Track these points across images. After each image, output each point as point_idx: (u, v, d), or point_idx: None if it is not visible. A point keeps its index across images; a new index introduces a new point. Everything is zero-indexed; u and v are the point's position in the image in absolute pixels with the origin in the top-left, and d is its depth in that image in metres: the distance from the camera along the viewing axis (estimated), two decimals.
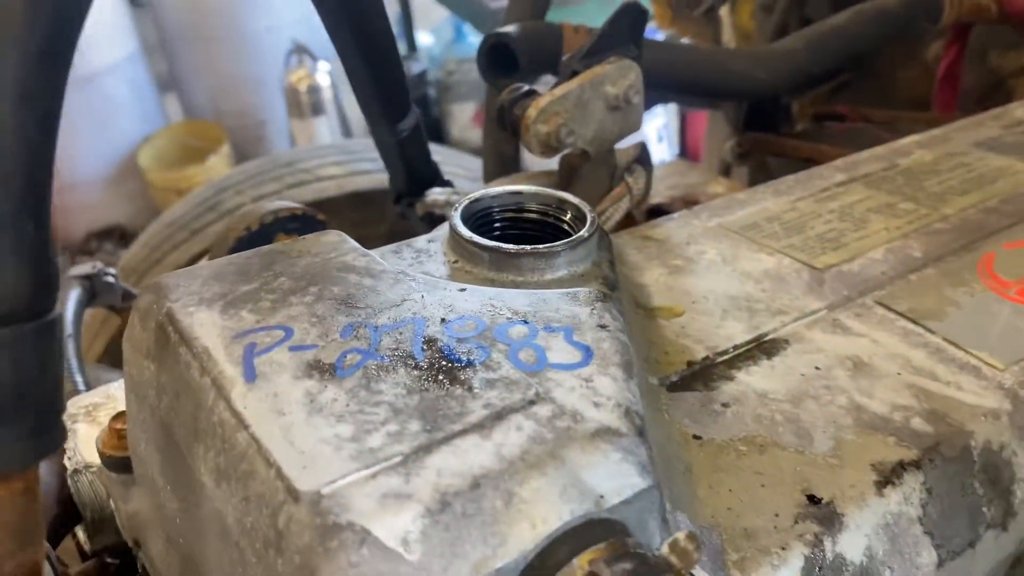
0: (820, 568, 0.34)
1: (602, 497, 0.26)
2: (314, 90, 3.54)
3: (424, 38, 4.37)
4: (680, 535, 0.26)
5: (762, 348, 0.44)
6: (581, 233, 0.40)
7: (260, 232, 0.52)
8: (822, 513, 0.35)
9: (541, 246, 0.39)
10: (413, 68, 3.81)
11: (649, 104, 1.04)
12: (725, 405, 0.40)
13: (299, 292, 0.34)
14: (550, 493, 0.26)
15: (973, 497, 0.39)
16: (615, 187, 0.65)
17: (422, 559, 0.24)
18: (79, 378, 0.74)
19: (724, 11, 1.15)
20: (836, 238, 0.54)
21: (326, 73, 3.58)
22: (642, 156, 0.67)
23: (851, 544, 0.35)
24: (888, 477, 0.37)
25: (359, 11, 0.48)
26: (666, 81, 0.77)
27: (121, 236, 3.61)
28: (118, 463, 0.46)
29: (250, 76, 3.80)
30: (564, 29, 0.74)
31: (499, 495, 0.25)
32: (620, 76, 0.59)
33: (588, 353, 0.31)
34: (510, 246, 0.38)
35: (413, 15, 4.23)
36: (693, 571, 0.27)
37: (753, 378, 0.42)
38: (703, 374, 0.42)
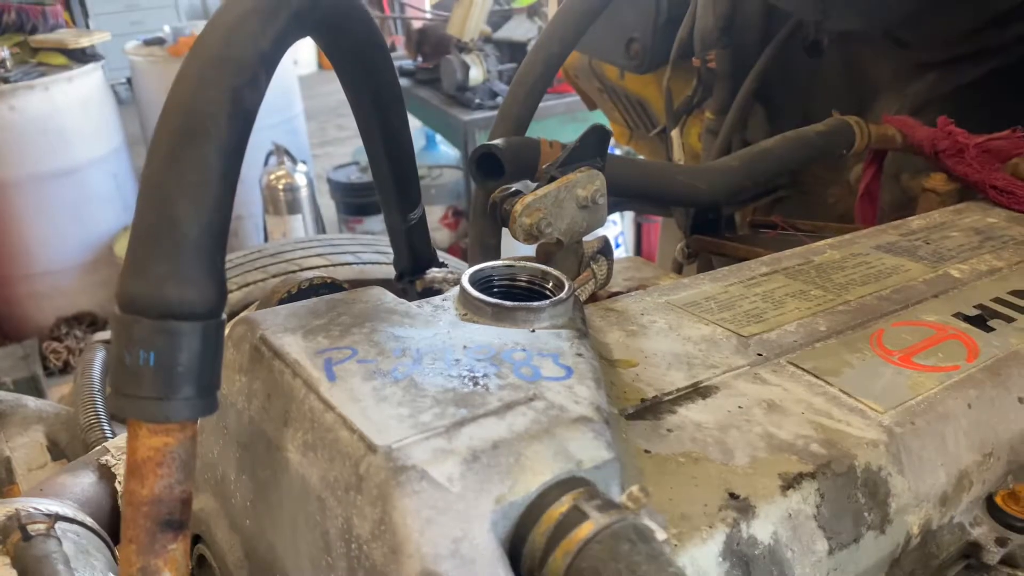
0: (738, 544, 0.46)
1: (581, 462, 0.38)
2: (291, 189, 3.70)
3: None
4: (634, 488, 0.38)
5: (698, 392, 0.57)
6: (561, 295, 0.53)
7: (299, 294, 0.64)
8: (740, 505, 0.47)
9: (531, 303, 0.51)
10: None
11: (610, 211, 1.19)
12: (669, 430, 0.53)
13: (358, 326, 0.46)
14: (545, 456, 0.37)
15: (856, 504, 0.51)
16: (582, 272, 0.78)
17: (461, 491, 0.35)
18: (107, 427, 0.84)
19: (674, 133, 1.33)
20: (759, 314, 0.68)
21: (303, 174, 3.76)
22: (604, 248, 0.81)
23: (761, 529, 0.47)
24: (790, 483, 0.49)
25: (388, 119, 0.61)
26: (625, 189, 0.92)
27: (91, 323, 3.66)
28: None
29: None
30: (541, 143, 0.89)
31: (511, 454, 0.37)
32: (589, 182, 0.73)
33: (569, 371, 0.43)
34: (508, 302, 0.51)
35: None
36: (642, 515, 0.38)
37: (691, 412, 0.54)
38: (653, 409, 0.55)
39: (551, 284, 0.55)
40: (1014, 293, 0.74)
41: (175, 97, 0.35)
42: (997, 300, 0.73)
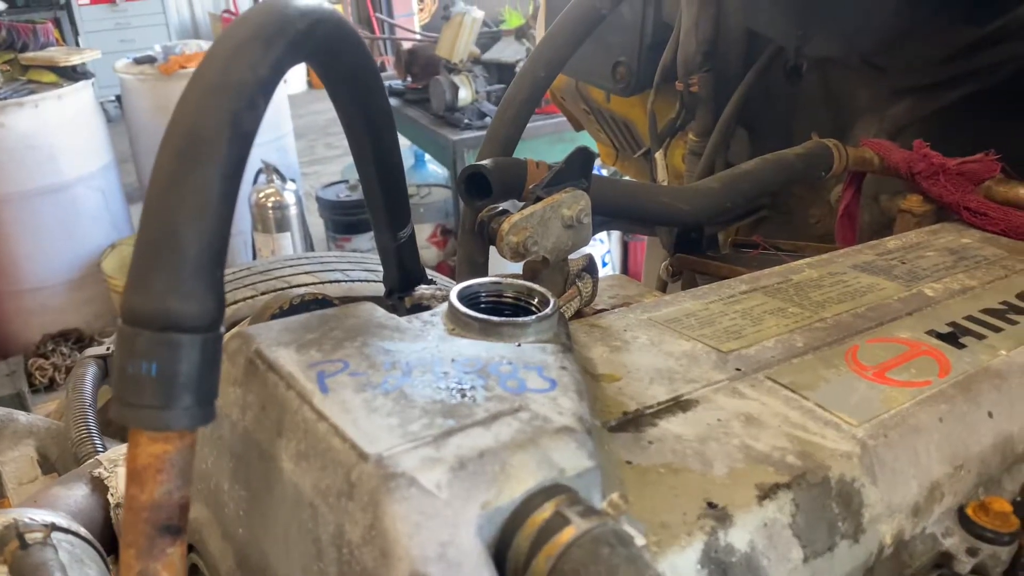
0: (715, 551, 0.47)
1: (563, 470, 0.40)
2: (280, 207, 3.72)
3: None
4: (614, 495, 0.39)
5: (679, 405, 0.59)
6: (546, 311, 0.55)
7: (290, 310, 0.66)
8: (718, 514, 0.49)
9: (518, 319, 0.53)
10: None
11: (596, 230, 1.22)
12: (650, 442, 0.54)
13: (349, 340, 0.47)
14: (529, 464, 0.39)
15: (831, 514, 0.53)
16: (568, 289, 0.80)
17: (449, 497, 0.37)
18: (98, 441, 0.85)
19: (659, 154, 1.35)
20: (738, 331, 0.70)
21: (292, 192, 3.78)
22: (589, 266, 0.83)
23: (738, 537, 0.49)
24: (767, 493, 0.51)
25: (380, 141, 0.63)
26: (610, 208, 0.95)
27: (77, 339, 3.65)
28: None
29: None
30: (528, 164, 0.91)
31: (497, 462, 0.39)
32: (574, 202, 0.75)
33: (554, 383, 0.45)
34: (495, 317, 0.53)
35: None
36: (621, 521, 0.40)
37: (671, 425, 0.56)
38: (635, 421, 0.56)
39: (536, 300, 0.57)
40: (985, 311, 0.76)
41: (178, 120, 0.37)
42: (969, 318, 0.75)
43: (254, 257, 3.88)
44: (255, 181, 3.78)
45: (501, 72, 4.00)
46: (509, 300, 0.58)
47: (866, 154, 1.10)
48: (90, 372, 0.93)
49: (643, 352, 0.65)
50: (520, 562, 0.37)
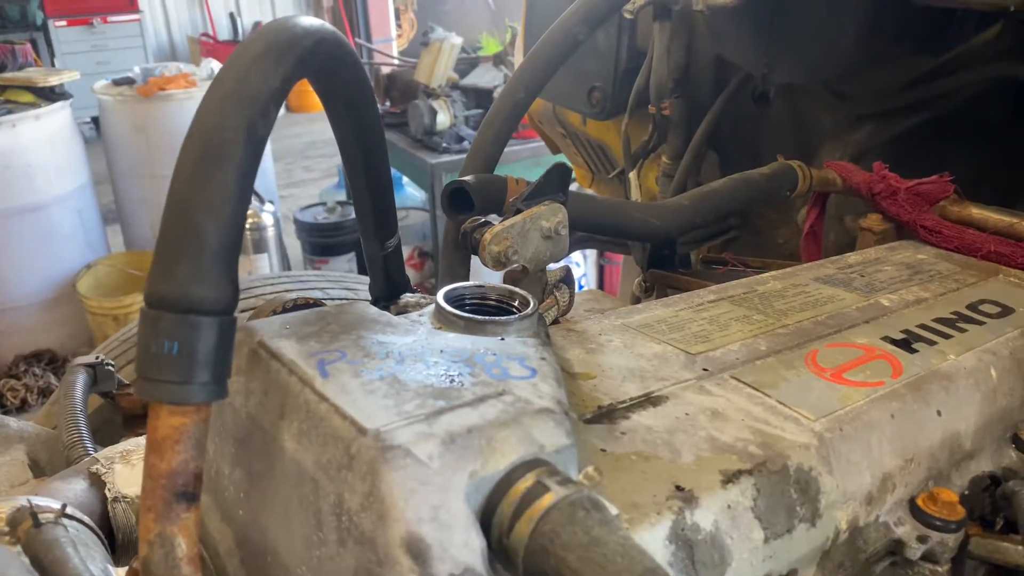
0: (683, 528, 0.51)
1: (543, 446, 0.44)
2: (258, 228, 3.74)
3: None
4: (589, 468, 0.43)
5: (650, 401, 0.63)
6: (526, 312, 0.59)
7: (284, 312, 0.69)
8: (685, 496, 0.53)
9: (501, 317, 0.57)
10: (353, 213, 4.06)
11: (573, 248, 1.26)
12: (623, 433, 0.58)
13: (345, 333, 0.51)
14: (512, 440, 0.43)
15: (789, 499, 0.58)
16: (545, 299, 0.84)
17: (440, 467, 0.41)
18: (89, 444, 0.88)
19: (632, 175, 1.41)
20: (706, 335, 0.74)
21: (270, 213, 3.80)
22: (567, 277, 0.87)
23: (704, 517, 0.53)
24: (730, 478, 0.55)
25: (371, 153, 0.67)
26: (587, 223, 0.99)
27: (50, 360, 3.64)
28: None
29: None
30: (508, 180, 0.95)
31: (483, 438, 0.42)
32: (552, 214, 0.79)
33: (534, 371, 0.49)
34: (479, 316, 0.57)
35: None
36: (596, 493, 0.44)
37: (642, 418, 0.60)
38: (608, 415, 0.60)
39: (517, 302, 0.61)
40: (937, 320, 0.82)
41: (199, 125, 0.41)
42: (922, 326, 0.80)
43: None
44: None
45: (479, 97, 4.07)
46: (492, 302, 0.62)
47: (829, 175, 1.16)
48: (80, 379, 0.96)
49: (616, 353, 0.70)
50: (505, 526, 0.40)
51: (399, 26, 7.99)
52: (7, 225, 3.47)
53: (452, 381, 0.47)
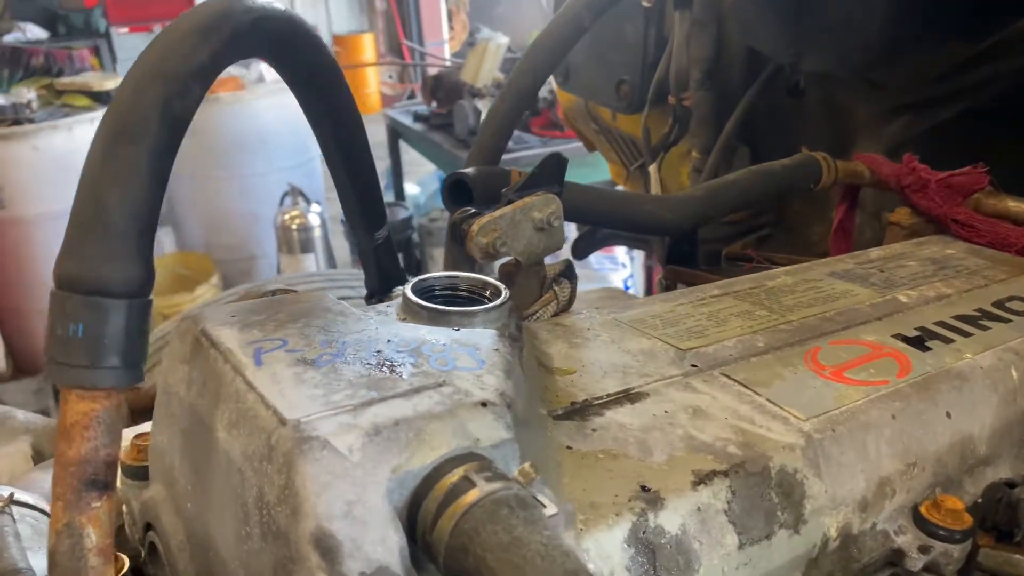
0: (644, 532, 0.48)
1: (478, 440, 0.41)
2: (305, 229, 3.79)
3: (411, 188, 4.69)
4: (525, 465, 0.41)
5: (628, 397, 0.60)
6: (496, 303, 0.56)
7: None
8: (650, 497, 0.50)
9: (465, 308, 0.55)
10: (399, 214, 4.09)
11: (597, 246, 1.23)
12: (594, 430, 0.55)
13: (292, 322, 0.49)
14: (444, 433, 0.41)
15: (769, 503, 0.54)
16: (544, 294, 0.82)
17: (360, 460, 0.39)
18: None
19: (652, 168, 1.37)
20: (701, 331, 0.71)
21: (317, 214, 3.85)
22: (567, 271, 0.85)
23: (669, 520, 0.49)
24: (702, 479, 0.52)
25: (348, 141, 0.66)
26: (599, 216, 0.96)
27: None
28: (137, 471, 0.60)
29: (245, 213, 4.05)
30: (511, 172, 0.93)
31: (412, 430, 0.40)
32: (544, 205, 0.77)
33: (482, 363, 0.47)
34: (442, 307, 0.55)
35: (403, 167, 4.56)
36: (532, 489, 0.41)
37: (617, 415, 0.57)
38: (581, 411, 0.58)
39: (488, 292, 0.59)
40: (958, 317, 0.77)
41: (114, 104, 0.40)
42: (940, 323, 0.75)
43: None
44: (281, 203, 3.86)
45: None
46: (464, 293, 0.60)
47: (857, 167, 1.11)
48: None
49: (601, 349, 0.67)
50: (428, 523, 0.38)
51: (451, 28, 8.03)
52: (62, 226, 3.56)
53: (392, 371, 0.45)
